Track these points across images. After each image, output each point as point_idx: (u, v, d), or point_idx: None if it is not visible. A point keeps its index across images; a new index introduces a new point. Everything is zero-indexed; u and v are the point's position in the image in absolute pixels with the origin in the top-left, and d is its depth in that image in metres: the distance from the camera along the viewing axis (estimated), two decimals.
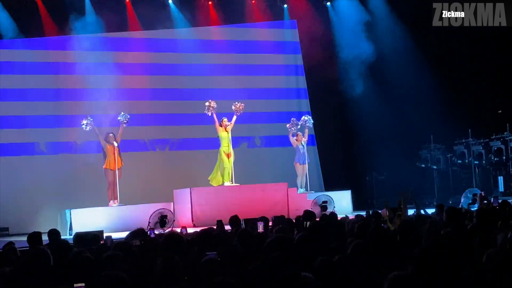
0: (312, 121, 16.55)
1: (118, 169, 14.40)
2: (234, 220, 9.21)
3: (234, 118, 15.29)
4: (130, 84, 16.89)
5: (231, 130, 15.24)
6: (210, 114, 15.06)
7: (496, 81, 17.53)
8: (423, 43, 17.76)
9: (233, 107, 15.29)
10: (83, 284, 4.73)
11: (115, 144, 14.40)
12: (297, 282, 3.94)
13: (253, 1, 18.79)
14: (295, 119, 16.27)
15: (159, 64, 17.54)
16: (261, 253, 5.57)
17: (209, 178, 15.31)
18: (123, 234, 9.55)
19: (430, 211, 11.41)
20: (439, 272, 4.25)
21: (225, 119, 15.20)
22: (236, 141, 16.08)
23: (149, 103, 17.24)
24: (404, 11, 17.79)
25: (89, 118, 14.37)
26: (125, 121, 14.59)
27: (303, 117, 16.52)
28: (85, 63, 16.40)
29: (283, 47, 19.41)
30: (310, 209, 12.46)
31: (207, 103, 15.02)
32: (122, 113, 14.71)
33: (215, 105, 14.99)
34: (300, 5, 18.98)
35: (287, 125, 16.14)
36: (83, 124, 14.33)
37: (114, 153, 14.36)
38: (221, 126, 15.16)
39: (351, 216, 10.19)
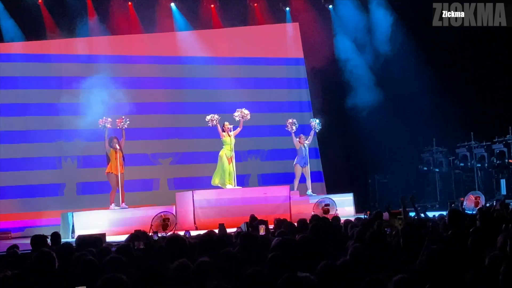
0: (320, 126, 16.47)
1: (121, 173, 14.39)
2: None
3: (240, 127, 15.29)
4: (130, 95, 16.88)
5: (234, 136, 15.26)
6: (212, 126, 15.04)
7: (498, 83, 17.51)
8: (425, 45, 17.76)
9: (237, 117, 15.27)
10: (84, 287, 4.73)
11: (117, 147, 14.40)
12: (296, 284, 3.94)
13: (255, 4, 18.79)
14: (294, 120, 16.20)
15: (160, 72, 17.50)
16: (264, 257, 5.57)
17: (212, 183, 15.30)
18: (125, 237, 9.55)
19: (431, 214, 11.42)
20: (443, 275, 4.25)
21: (227, 123, 15.19)
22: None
23: (150, 115, 17.19)
24: (404, 12, 17.80)
25: (106, 118, 14.42)
26: (125, 126, 14.61)
27: (314, 120, 16.47)
28: (86, 68, 16.49)
29: (285, 51, 19.39)
30: (312, 212, 12.51)
31: (208, 117, 15.01)
32: (123, 117, 14.70)
33: (218, 118, 14.99)
34: (302, 8, 18.98)
35: (287, 125, 16.08)
36: (101, 125, 14.40)
37: (116, 158, 14.35)
38: (223, 131, 15.16)
39: (353, 219, 10.18)
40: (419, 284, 3.83)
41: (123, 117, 14.61)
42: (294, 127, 16.00)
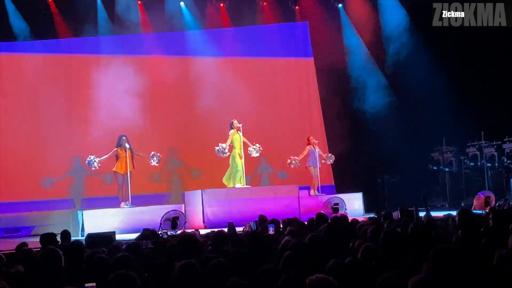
0: (333, 159, 16.49)
1: (129, 172, 14.37)
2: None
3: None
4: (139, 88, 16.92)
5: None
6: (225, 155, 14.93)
7: (509, 82, 17.42)
8: (435, 44, 17.70)
9: (251, 150, 15.28)
10: (93, 284, 4.74)
11: (127, 146, 14.37)
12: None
13: (265, 3, 18.77)
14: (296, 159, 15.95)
15: (171, 67, 17.53)
16: (272, 255, 5.57)
17: (223, 181, 15.26)
18: (135, 236, 9.57)
19: (441, 213, 11.38)
20: (456, 275, 4.23)
21: (236, 121, 15.15)
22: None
23: (159, 114, 17.22)
24: (414, 10, 17.77)
25: (91, 157, 14.21)
26: (153, 160, 14.56)
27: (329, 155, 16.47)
28: (97, 67, 16.55)
29: (294, 49, 19.37)
30: (322, 212, 12.48)
31: (217, 148, 14.82)
32: (156, 156, 14.61)
33: (225, 147, 14.86)
34: (311, 7, 18.95)
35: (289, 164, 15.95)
36: (90, 164, 14.20)
37: (126, 157, 14.34)
38: (233, 129, 15.11)
39: (361, 218, 10.16)
40: (435, 285, 3.80)
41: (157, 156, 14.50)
42: (294, 165, 15.90)
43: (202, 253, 5.86)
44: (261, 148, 15.36)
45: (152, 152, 14.66)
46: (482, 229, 6.44)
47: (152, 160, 14.63)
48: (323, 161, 16.34)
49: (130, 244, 5.98)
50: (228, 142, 14.96)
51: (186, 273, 4.58)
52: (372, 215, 11.59)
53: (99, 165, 14.24)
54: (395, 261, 5.28)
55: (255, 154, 15.44)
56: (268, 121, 18.13)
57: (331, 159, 16.46)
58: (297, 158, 15.91)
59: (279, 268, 4.70)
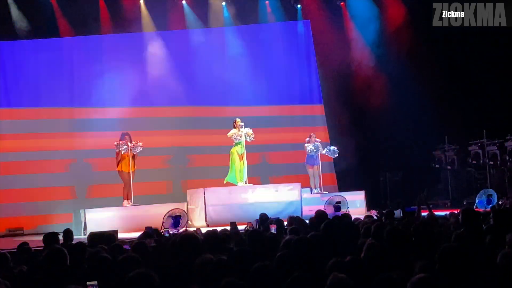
0: (337, 153, 16.33)
1: (132, 172, 14.36)
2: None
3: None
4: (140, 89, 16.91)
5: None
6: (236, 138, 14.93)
7: (511, 81, 17.41)
8: (437, 42, 17.69)
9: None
10: (95, 282, 4.74)
11: (129, 144, 14.36)
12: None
13: (266, 1, 18.76)
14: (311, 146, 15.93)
15: (173, 66, 17.54)
16: (273, 254, 5.56)
17: (226, 181, 15.23)
18: (137, 234, 9.58)
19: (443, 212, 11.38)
20: (459, 274, 4.23)
21: (238, 120, 15.13)
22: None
23: (161, 114, 17.23)
24: (415, 8, 17.77)
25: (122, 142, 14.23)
26: (137, 151, 14.39)
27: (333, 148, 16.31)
28: (100, 65, 16.54)
29: (297, 48, 19.35)
30: (323, 209, 12.47)
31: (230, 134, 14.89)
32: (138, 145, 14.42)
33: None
34: (313, 5, 18.93)
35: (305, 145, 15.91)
36: (120, 147, 14.20)
37: (128, 155, 14.32)
38: (235, 128, 15.09)
39: (363, 217, 10.15)
40: (437, 284, 3.79)
41: (136, 143, 14.33)
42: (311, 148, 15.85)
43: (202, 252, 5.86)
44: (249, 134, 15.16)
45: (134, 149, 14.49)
46: (484, 228, 6.45)
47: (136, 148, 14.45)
48: (324, 152, 16.17)
49: (135, 244, 5.98)
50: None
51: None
52: (368, 213, 11.58)
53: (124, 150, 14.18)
54: (397, 259, 5.28)
55: (249, 138, 15.17)
56: (270, 119, 18.10)
57: (334, 153, 16.31)
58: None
59: (276, 265, 4.69)
